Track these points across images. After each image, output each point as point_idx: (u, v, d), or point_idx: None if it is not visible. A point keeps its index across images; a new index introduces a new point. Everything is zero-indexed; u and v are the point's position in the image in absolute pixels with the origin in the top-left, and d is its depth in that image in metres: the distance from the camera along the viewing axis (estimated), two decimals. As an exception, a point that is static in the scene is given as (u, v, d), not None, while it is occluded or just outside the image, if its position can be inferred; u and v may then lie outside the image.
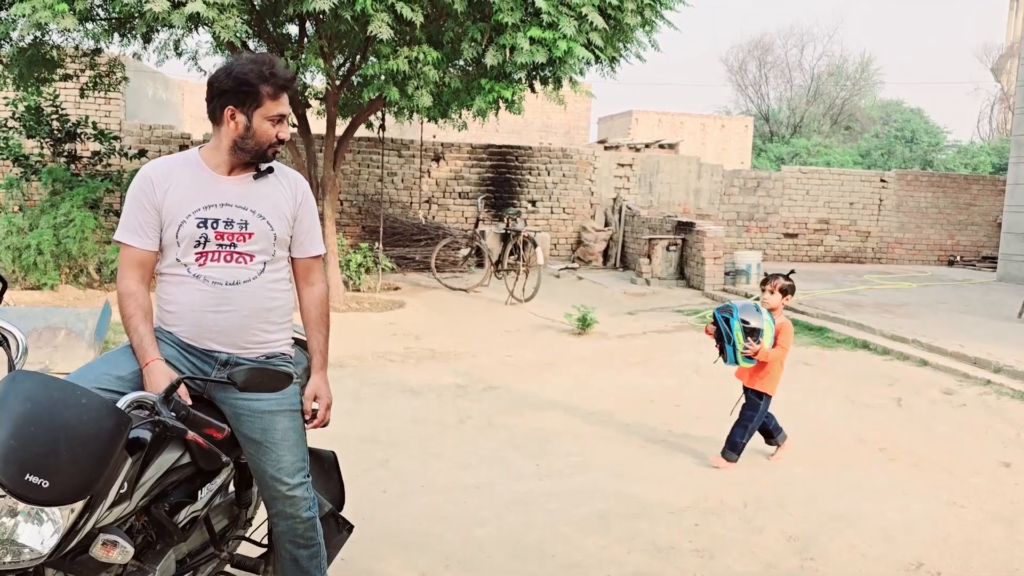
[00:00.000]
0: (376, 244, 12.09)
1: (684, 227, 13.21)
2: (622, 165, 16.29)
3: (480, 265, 13.04)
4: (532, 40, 7.82)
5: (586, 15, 7.94)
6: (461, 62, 9.31)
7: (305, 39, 9.35)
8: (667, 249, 13.03)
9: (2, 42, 8.87)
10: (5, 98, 11.31)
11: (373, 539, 3.64)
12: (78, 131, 11.38)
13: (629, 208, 15.37)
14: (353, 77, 9.93)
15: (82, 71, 10.67)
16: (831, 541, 3.85)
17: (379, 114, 11.43)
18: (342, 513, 2.97)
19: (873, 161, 30.28)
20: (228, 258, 2.43)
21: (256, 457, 2.49)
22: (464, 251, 12.86)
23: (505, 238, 12.00)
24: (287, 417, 2.50)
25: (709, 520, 4.06)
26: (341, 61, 10.06)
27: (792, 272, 5.00)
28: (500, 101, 8.74)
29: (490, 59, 7.96)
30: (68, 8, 7.14)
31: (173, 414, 2.04)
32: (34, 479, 1.73)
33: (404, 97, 8.25)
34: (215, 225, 2.41)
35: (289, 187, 2.57)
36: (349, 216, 14.27)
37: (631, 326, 9.66)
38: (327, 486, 2.94)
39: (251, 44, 10.12)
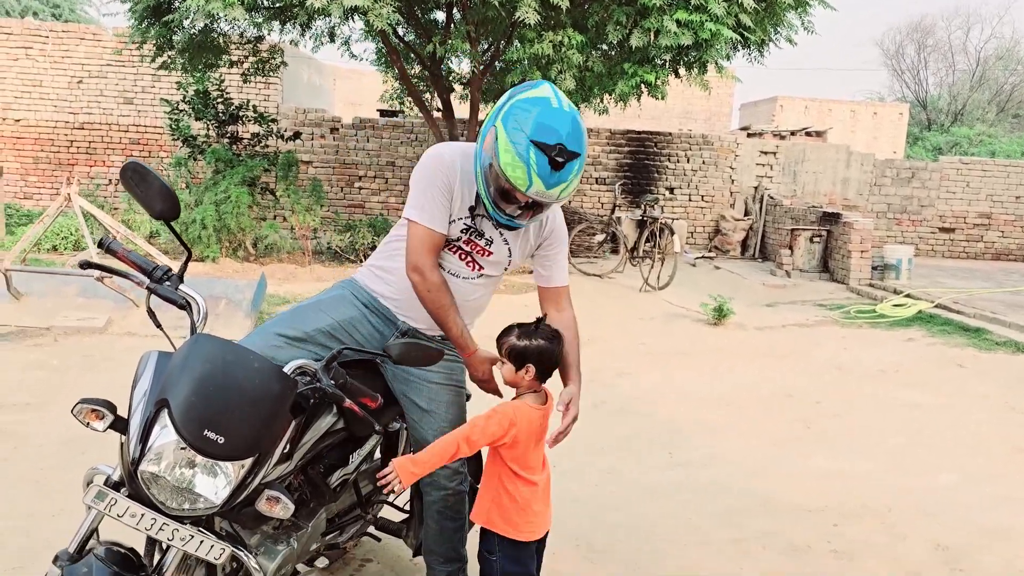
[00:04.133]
0: (512, 227, 12.22)
1: (830, 218, 12.66)
2: (765, 153, 15.75)
3: (615, 251, 12.96)
4: (678, 23, 7.68)
5: (736, -4, 7.73)
6: (604, 46, 9.25)
7: (452, 25, 9.56)
8: (810, 240, 12.54)
9: (176, 30, 9.53)
10: (177, 82, 12.15)
11: (506, 515, 3.71)
12: (240, 114, 12.08)
13: (771, 197, 14.86)
14: (496, 62, 10.07)
15: (245, 57, 11.32)
16: (984, 554, 3.63)
17: (520, 99, 11.53)
18: (481, 489, 3.07)
19: (1045, 152, 27.91)
20: (462, 256, 2.57)
21: (419, 425, 2.62)
22: (599, 237, 12.82)
23: (641, 225, 11.88)
24: (452, 391, 2.66)
25: (848, 523, 3.92)
26: (486, 46, 10.22)
27: None
28: (643, 86, 8.65)
29: (635, 41, 7.88)
30: (237, -1, 7.61)
31: (332, 382, 2.16)
32: (211, 434, 1.87)
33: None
34: (472, 234, 2.54)
35: (541, 222, 2.61)
36: (487, 199, 14.47)
37: (770, 318, 9.37)
38: (471, 463, 3.04)
39: (400, 30, 10.44)
